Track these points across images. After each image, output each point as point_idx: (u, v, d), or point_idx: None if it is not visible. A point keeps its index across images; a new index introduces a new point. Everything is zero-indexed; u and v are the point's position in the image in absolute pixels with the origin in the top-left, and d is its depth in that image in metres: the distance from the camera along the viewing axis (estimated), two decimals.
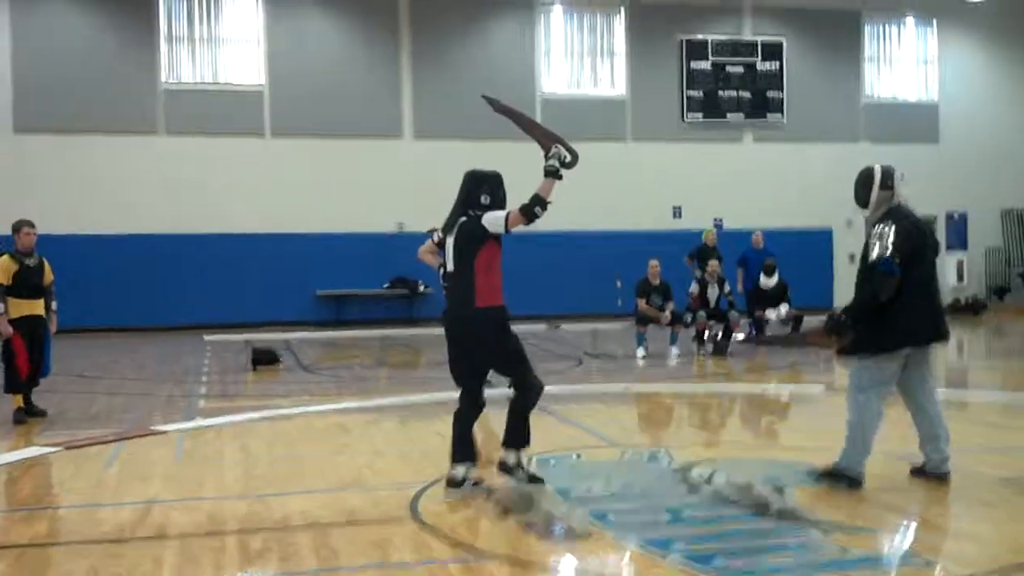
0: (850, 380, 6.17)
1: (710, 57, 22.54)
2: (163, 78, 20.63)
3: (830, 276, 22.91)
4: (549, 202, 5.84)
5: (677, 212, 21.48)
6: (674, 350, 13.80)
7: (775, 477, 6.23)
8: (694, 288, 14.33)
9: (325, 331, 18.59)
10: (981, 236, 23.89)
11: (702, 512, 5.54)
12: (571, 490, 6.02)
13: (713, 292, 14.25)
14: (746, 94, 22.85)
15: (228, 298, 20.10)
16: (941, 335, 6.09)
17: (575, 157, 5.95)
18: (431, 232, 6.41)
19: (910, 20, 24.11)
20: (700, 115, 22.46)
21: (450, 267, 6.11)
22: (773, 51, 22.87)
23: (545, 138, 6.05)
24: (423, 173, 21.29)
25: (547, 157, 5.92)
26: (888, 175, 6.10)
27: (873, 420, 6.01)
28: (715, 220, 20.96)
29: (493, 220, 5.90)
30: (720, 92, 22.68)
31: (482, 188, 6.09)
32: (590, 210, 21.10)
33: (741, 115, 22.81)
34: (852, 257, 23.42)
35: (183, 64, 20.88)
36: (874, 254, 5.90)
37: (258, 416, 9.22)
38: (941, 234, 23.96)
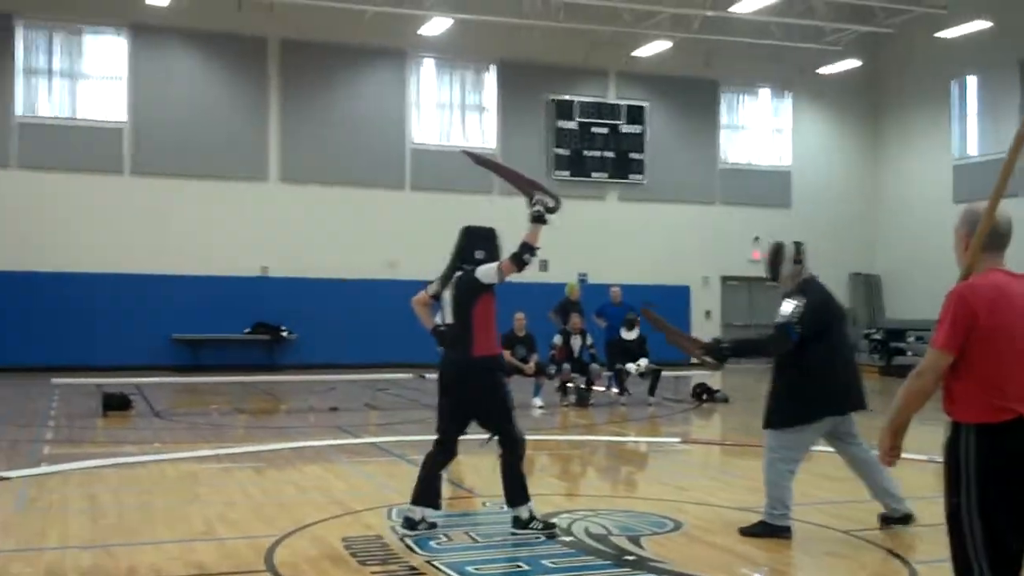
0: (766, 444, 6.33)
1: (576, 117, 23.13)
2: (18, 111, 19.86)
3: (687, 331, 23.49)
4: (537, 248, 6.08)
5: (543, 266, 21.80)
6: (537, 401, 13.93)
7: (632, 527, 6.37)
8: (557, 340, 14.55)
9: (181, 376, 18.00)
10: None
11: (561, 562, 5.59)
12: (431, 540, 5.99)
13: (576, 344, 14.49)
14: (610, 154, 23.50)
15: (80, 340, 19.28)
16: (856, 404, 6.20)
17: (558, 202, 6.19)
18: (427, 283, 6.47)
19: (765, 91, 25.31)
20: (567, 173, 22.97)
21: (448, 319, 6.29)
22: (636, 115, 23.63)
23: (527, 186, 6.26)
24: (288, 217, 21.07)
25: (531, 204, 6.14)
26: (799, 250, 6.32)
27: (785, 479, 6.14)
28: (579, 274, 21.36)
29: (487, 272, 6.14)
30: (585, 152, 23.26)
31: (477, 243, 6.32)
32: None
33: (605, 174, 23.43)
34: (708, 314, 24.26)
35: (40, 97, 20.16)
36: (781, 318, 6.12)
37: (107, 463, 8.84)
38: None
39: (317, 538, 6.12)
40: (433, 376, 18.19)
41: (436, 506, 6.20)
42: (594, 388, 14.67)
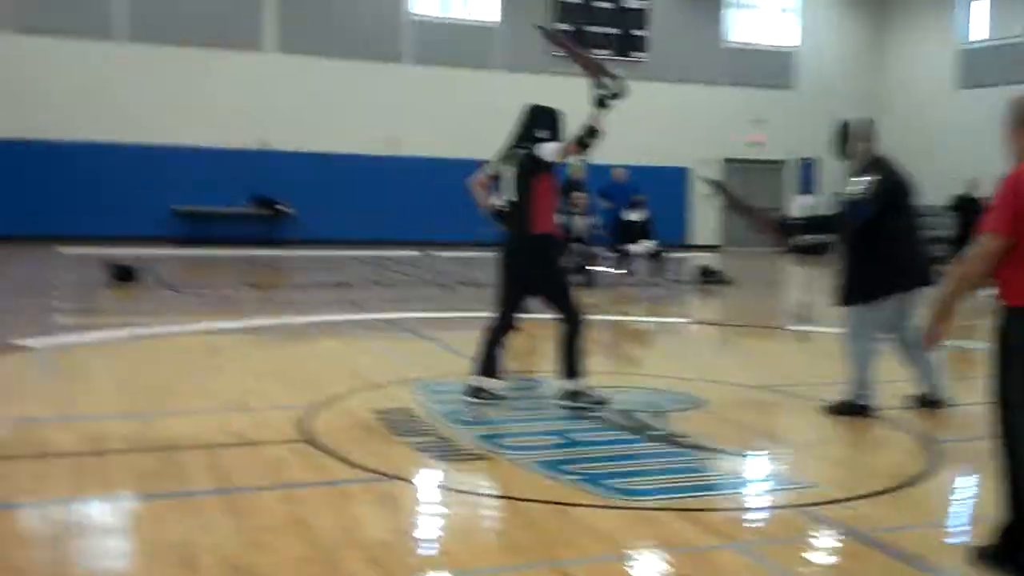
0: (845, 326, 6.44)
1: None
2: None
3: (683, 213, 23.63)
4: (601, 131, 6.06)
5: None
6: None
7: (654, 404, 6.51)
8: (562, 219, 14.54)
9: (181, 248, 18.02)
10: (830, 182, 24.92)
11: (588, 436, 5.73)
12: (461, 414, 6.12)
13: (580, 223, 14.49)
14: (613, 30, 23.05)
15: (78, 210, 19.16)
16: (926, 281, 6.25)
17: (624, 89, 6.14)
18: (484, 164, 6.50)
19: None
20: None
21: (507, 196, 6.33)
22: None
23: (595, 69, 6.21)
24: (288, 89, 20.74)
25: (597, 88, 6.10)
26: (868, 128, 6.31)
27: (867, 359, 6.27)
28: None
29: (548, 151, 6.18)
30: (587, 27, 22.80)
31: (540, 122, 6.32)
32: (462, 138, 21.06)
33: (607, 51, 23.00)
34: (706, 196, 24.18)
35: None
36: (852, 195, 6.15)
37: (125, 334, 8.91)
38: (794, 179, 24.98)
39: (347, 410, 6.23)
40: (439, 254, 18.24)
41: (499, 377, 6.34)
42: (596, 268, 14.75)
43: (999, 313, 3.58)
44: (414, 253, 16.30)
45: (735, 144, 24.11)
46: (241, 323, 9.82)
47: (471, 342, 9.39)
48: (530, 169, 6.23)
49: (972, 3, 23.00)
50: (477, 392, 6.31)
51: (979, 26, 22.95)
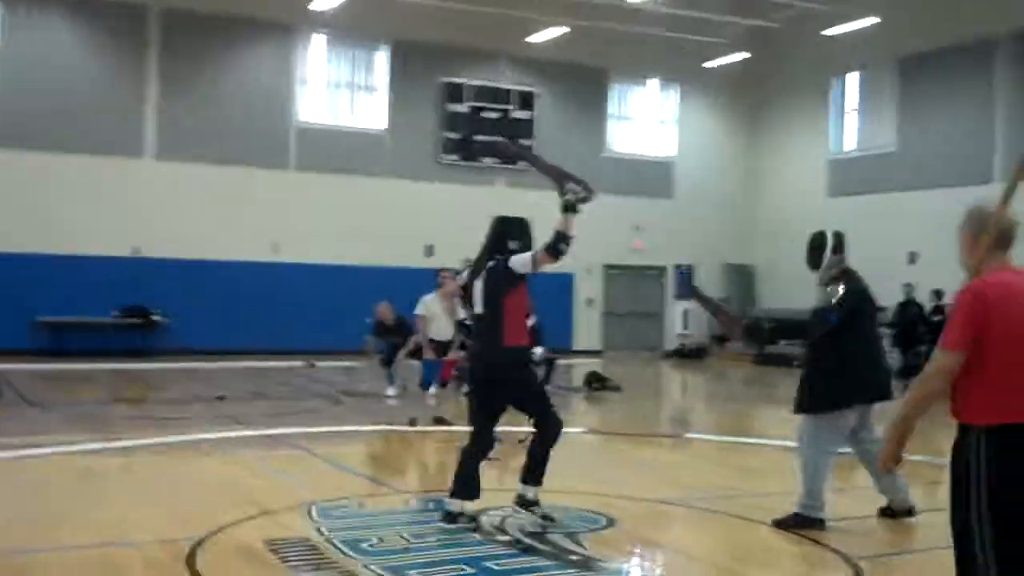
0: (800, 434, 6.33)
1: (467, 101, 22.83)
2: None
3: (569, 319, 23.74)
4: (572, 237, 5.97)
5: (429, 250, 21.44)
6: (432, 388, 13.58)
7: (566, 524, 6.22)
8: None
9: (46, 362, 17.01)
10: (706, 288, 25.44)
11: (505, 563, 5.40)
12: (361, 542, 5.71)
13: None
14: (500, 139, 23.28)
15: None
16: (885, 395, 6.29)
17: (590, 192, 6.10)
18: (440, 272, 6.25)
19: (654, 81, 25.54)
20: (456, 156, 22.67)
21: (478, 309, 6.22)
22: (526, 100, 23.50)
23: (558, 176, 6.19)
24: (165, 196, 20.14)
25: (563, 194, 6.04)
26: (840, 241, 6.38)
27: (822, 469, 6.18)
28: (465, 260, 21.11)
29: (521, 262, 6.08)
30: (475, 136, 22.97)
31: (511, 233, 6.26)
32: (345, 244, 20.79)
33: (494, 159, 23.19)
34: (590, 302, 24.40)
35: None
36: (821, 303, 6.24)
37: None
38: (670, 284, 25.45)
39: (238, 541, 5.76)
40: (324, 364, 17.67)
41: (475, 497, 6.11)
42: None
43: (956, 430, 3.47)
44: (296, 363, 15.73)
45: (617, 251, 24.43)
46: (117, 444, 9.14)
47: (363, 457, 8.99)
48: (503, 281, 6.11)
49: (845, 116, 24.16)
50: (451, 516, 6.02)
51: (849, 137, 24.09)
